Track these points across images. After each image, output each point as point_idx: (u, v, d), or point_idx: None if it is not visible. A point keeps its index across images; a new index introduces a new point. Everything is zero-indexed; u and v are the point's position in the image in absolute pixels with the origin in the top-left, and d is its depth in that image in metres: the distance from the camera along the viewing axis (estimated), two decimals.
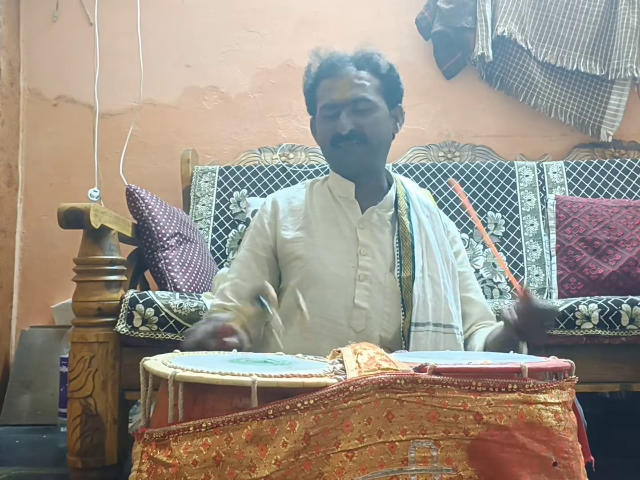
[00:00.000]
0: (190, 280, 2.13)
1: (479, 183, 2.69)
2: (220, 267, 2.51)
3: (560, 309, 1.82)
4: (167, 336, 1.79)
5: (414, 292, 1.49)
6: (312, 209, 1.61)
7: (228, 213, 2.70)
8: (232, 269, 1.64)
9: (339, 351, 1.10)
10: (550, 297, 2.39)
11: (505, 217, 2.62)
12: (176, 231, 2.22)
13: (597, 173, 2.70)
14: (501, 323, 1.48)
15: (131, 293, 1.85)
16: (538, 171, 2.73)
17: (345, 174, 1.62)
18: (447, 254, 1.60)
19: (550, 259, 2.47)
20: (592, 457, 1.05)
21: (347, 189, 1.61)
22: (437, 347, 1.47)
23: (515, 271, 2.50)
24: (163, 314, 1.80)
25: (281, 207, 1.63)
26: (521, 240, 2.58)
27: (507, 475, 0.92)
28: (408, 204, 1.61)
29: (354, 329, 1.47)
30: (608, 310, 1.81)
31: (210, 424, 0.87)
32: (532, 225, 2.60)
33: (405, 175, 2.65)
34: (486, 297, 2.38)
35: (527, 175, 2.71)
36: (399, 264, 1.53)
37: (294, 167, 2.78)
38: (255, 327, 1.53)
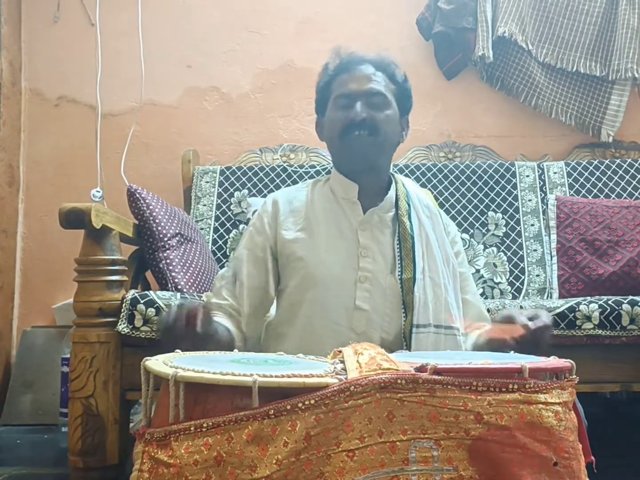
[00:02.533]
0: (192, 281, 2.14)
1: (480, 183, 2.69)
2: (221, 267, 2.51)
3: (561, 309, 1.82)
4: None
5: (414, 293, 1.48)
6: (313, 209, 1.61)
7: (229, 213, 2.70)
8: (229, 267, 1.64)
9: (340, 351, 1.10)
10: (551, 297, 2.39)
11: (505, 217, 2.63)
12: (177, 231, 2.22)
13: (598, 173, 2.70)
14: (489, 326, 1.49)
15: (132, 293, 1.85)
16: (538, 171, 2.73)
17: (349, 168, 1.61)
18: (447, 255, 1.60)
19: (551, 259, 2.47)
20: (592, 457, 1.05)
21: (350, 190, 1.60)
22: (438, 348, 1.47)
23: (516, 271, 2.51)
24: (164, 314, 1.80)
25: (282, 207, 1.63)
26: (522, 240, 2.58)
27: (508, 475, 0.92)
28: (408, 205, 1.61)
29: (354, 331, 1.46)
30: (608, 310, 1.81)
31: (211, 423, 0.87)
32: (532, 225, 2.60)
33: (406, 175, 2.65)
34: (487, 298, 2.39)
35: (527, 176, 2.71)
36: (399, 266, 1.53)
37: (295, 168, 2.78)
38: (253, 327, 1.53)
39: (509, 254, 2.55)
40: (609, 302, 1.83)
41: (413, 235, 1.55)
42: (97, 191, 2.90)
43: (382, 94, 1.57)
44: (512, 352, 1.32)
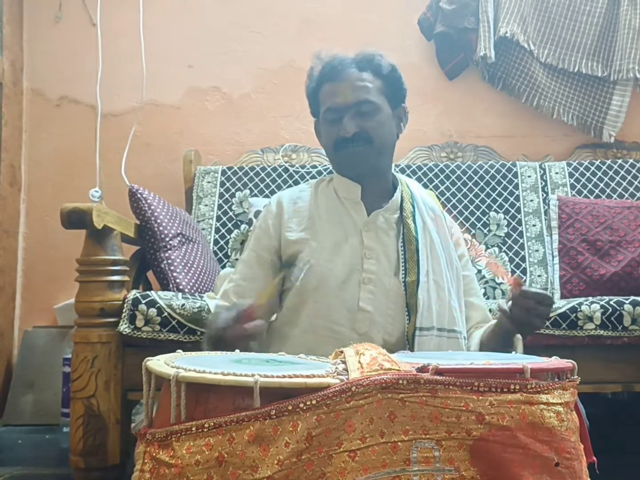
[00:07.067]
0: (193, 281, 2.14)
1: (482, 184, 2.68)
2: (223, 267, 2.51)
3: (563, 310, 1.82)
4: (169, 336, 1.79)
5: (418, 296, 1.48)
6: (317, 210, 1.60)
7: (230, 213, 2.70)
8: (236, 270, 1.64)
9: (341, 351, 1.10)
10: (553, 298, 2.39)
11: (507, 217, 2.62)
12: (179, 231, 2.22)
13: (600, 174, 2.70)
14: (495, 321, 1.49)
15: (134, 293, 1.85)
16: (540, 172, 2.73)
17: (350, 176, 1.61)
18: (451, 258, 1.60)
19: (553, 260, 2.47)
20: (594, 458, 1.05)
21: (354, 191, 1.60)
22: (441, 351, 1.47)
23: (518, 272, 2.50)
24: (165, 314, 1.80)
25: (286, 207, 1.63)
26: (523, 240, 2.58)
27: (509, 475, 0.92)
28: (413, 207, 1.60)
29: (357, 332, 1.46)
30: (610, 310, 1.81)
31: (212, 424, 0.87)
32: (534, 225, 2.60)
33: (408, 175, 2.65)
34: (488, 298, 2.39)
35: (529, 176, 2.71)
36: (403, 268, 1.52)
37: (297, 168, 2.78)
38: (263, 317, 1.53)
39: (510, 254, 2.55)
40: (611, 302, 1.83)
41: (417, 237, 1.55)
42: (96, 191, 2.90)
43: (369, 100, 1.56)
44: (513, 352, 1.32)
